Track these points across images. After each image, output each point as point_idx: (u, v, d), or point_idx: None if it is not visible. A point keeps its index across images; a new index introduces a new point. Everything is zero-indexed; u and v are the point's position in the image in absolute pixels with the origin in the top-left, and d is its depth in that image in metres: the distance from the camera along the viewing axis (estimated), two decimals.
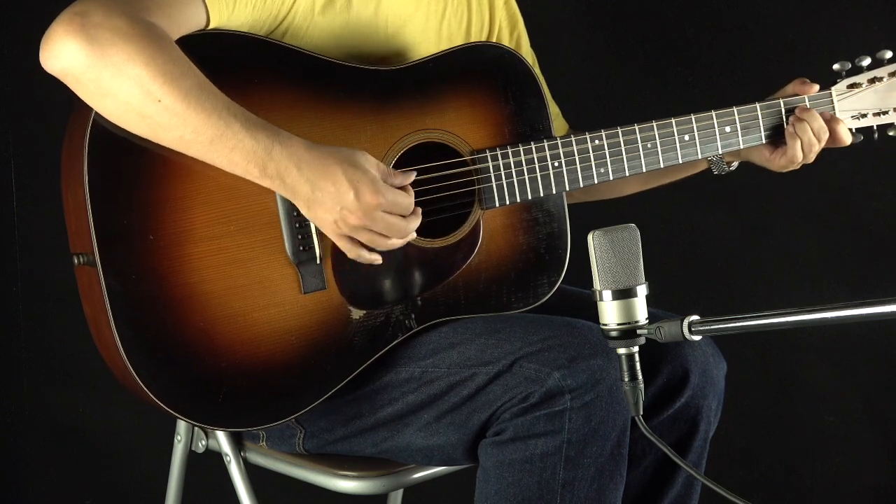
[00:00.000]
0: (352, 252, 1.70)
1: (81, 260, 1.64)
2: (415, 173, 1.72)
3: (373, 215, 1.65)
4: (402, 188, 1.69)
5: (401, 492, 2.51)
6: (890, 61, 1.99)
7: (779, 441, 2.99)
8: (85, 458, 2.90)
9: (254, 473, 1.90)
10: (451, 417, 1.73)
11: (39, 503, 2.88)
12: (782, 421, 2.98)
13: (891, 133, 2.02)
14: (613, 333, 1.39)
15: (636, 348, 1.40)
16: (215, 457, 1.92)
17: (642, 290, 1.39)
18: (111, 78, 1.54)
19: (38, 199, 2.72)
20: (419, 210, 1.72)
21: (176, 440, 1.98)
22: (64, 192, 1.69)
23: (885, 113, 2.00)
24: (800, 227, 2.90)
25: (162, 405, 1.64)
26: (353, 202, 1.63)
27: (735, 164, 2.04)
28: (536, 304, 1.89)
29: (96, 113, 1.59)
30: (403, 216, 1.68)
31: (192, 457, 1.98)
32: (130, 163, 1.62)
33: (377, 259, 1.72)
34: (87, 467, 2.91)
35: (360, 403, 1.80)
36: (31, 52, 1.60)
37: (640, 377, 1.41)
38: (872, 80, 1.99)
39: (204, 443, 1.94)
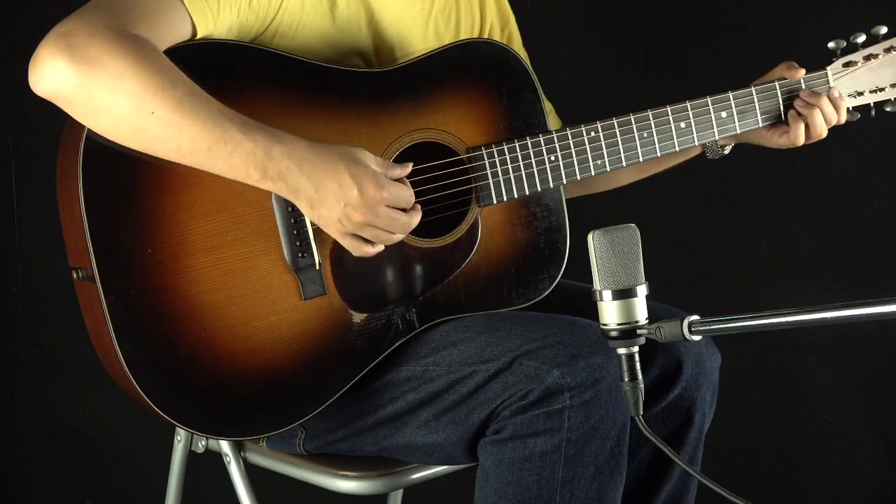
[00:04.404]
0: (356, 249, 1.70)
1: (80, 274, 1.64)
2: (411, 164, 1.72)
3: (376, 210, 1.65)
4: (401, 182, 1.69)
5: (401, 492, 2.51)
6: (885, 37, 1.98)
7: (779, 441, 2.99)
8: (85, 458, 2.91)
9: (254, 473, 1.90)
10: (451, 415, 1.73)
11: (39, 503, 2.88)
12: (782, 421, 2.98)
13: (888, 109, 2.01)
14: (613, 333, 1.39)
15: (636, 348, 1.40)
16: (215, 457, 1.92)
17: (642, 290, 1.39)
18: (103, 95, 1.53)
19: (38, 199, 2.72)
20: (419, 205, 1.72)
21: (176, 440, 1.98)
22: (60, 207, 1.68)
23: (881, 90, 1.99)
24: (800, 227, 2.90)
25: (166, 417, 1.64)
26: (356, 198, 1.63)
27: (728, 148, 2.03)
28: (537, 300, 1.89)
29: (88, 129, 1.59)
30: (404, 210, 1.69)
31: (192, 457, 1.98)
32: (125, 177, 1.62)
33: (379, 249, 1.71)
34: (87, 467, 2.91)
35: (361, 403, 1.80)
36: (31, 53, 1.59)
37: (640, 377, 1.41)
38: (868, 58, 1.98)
39: (204, 443, 1.94)
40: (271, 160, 1.59)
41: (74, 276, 1.66)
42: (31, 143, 2.74)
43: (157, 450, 2.25)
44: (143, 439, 2.73)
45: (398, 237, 1.70)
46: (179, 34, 1.63)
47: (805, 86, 1.96)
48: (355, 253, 1.70)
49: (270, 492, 2.03)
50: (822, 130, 1.94)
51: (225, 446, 1.88)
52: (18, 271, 2.79)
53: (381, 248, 1.71)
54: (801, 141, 1.95)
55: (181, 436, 1.97)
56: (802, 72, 1.96)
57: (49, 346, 2.82)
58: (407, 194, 1.69)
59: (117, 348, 1.61)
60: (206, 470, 2.08)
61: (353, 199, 1.63)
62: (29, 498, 2.88)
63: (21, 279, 2.79)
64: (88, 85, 1.52)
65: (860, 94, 1.99)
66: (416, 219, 1.70)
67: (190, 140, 1.56)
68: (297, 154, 1.61)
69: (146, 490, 2.82)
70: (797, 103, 1.94)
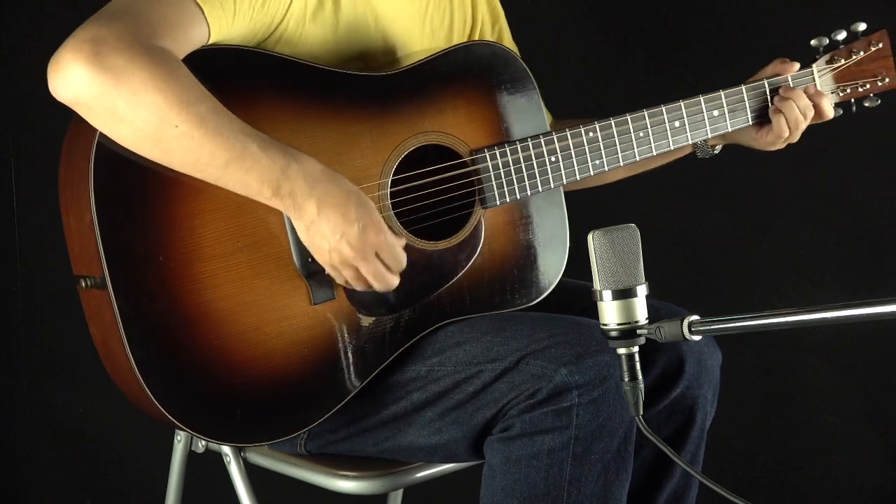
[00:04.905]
0: (338, 278, 1.70)
1: (88, 283, 1.62)
2: (405, 240, 1.73)
3: (368, 255, 1.66)
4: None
5: (401, 492, 2.51)
6: (864, 34, 2.03)
7: (779, 441, 2.99)
8: (85, 458, 2.90)
9: (254, 473, 1.90)
10: (456, 415, 1.73)
11: (39, 503, 2.88)
12: (782, 421, 2.98)
13: (867, 104, 2.05)
14: (613, 333, 1.39)
15: (636, 348, 1.40)
16: (215, 457, 1.92)
17: (642, 290, 1.39)
18: (126, 106, 1.52)
19: (38, 199, 2.72)
20: (399, 276, 1.72)
21: (176, 440, 1.98)
22: (65, 215, 1.67)
23: (863, 86, 2.03)
24: (800, 227, 2.90)
25: (179, 424, 1.64)
26: (356, 235, 1.63)
27: (719, 148, 2.06)
28: (539, 300, 1.89)
29: (100, 135, 1.58)
30: (391, 269, 1.69)
31: (192, 457, 1.98)
32: (136, 184, 1.61)
33: (360, 287, 1.72)
34: (87, 467, 2.91)
35: (366, 404, 1.80)
36: (32, 53, 1.59)
37: (640, 377, 1.41)
38: (850, 54, 2.03)
39: (204, 443, 1.94)
40: (286, 178, 1.59)
41: (82, 284, 1.64)
42: (31, 143, 2.73)
43: (157, 450, 2.25)
44: (143, 439, 2.73)
45: (374, 288, 1.70)
46: (198, 41, 1.63)
47: (792, 84, 1.99)
48: (337, 280, 1.70)
49: (270, 492, 2.03)
50: (798, 122, 1.96)
51: (225, 446, 1.88)
52: (18, 271, 2.79)
53: (361, 286, 1.71)
54: (785, 132, 1.97)
55: (181, 436, 1.97)
56: (796, 65, 1.99)
57: (49, 346, 2.82)
58: (401, 255, 1.70)
59: (129, 355, 1.59)
60: (206, 470, 2.08)
61: (351, 236, 1.63)
62: (29, 498, 2.88)
63: (21, 279, 2.79)
64: (113, 95, 1.51)
65: (843, 90, 2.03)
66: (396, 282, 1.71)
67: (208, 155, 1.56)
68: (312, 175, 1.61)
69: (146, 490, 2.82)
70: (775, 98, 1.98)
